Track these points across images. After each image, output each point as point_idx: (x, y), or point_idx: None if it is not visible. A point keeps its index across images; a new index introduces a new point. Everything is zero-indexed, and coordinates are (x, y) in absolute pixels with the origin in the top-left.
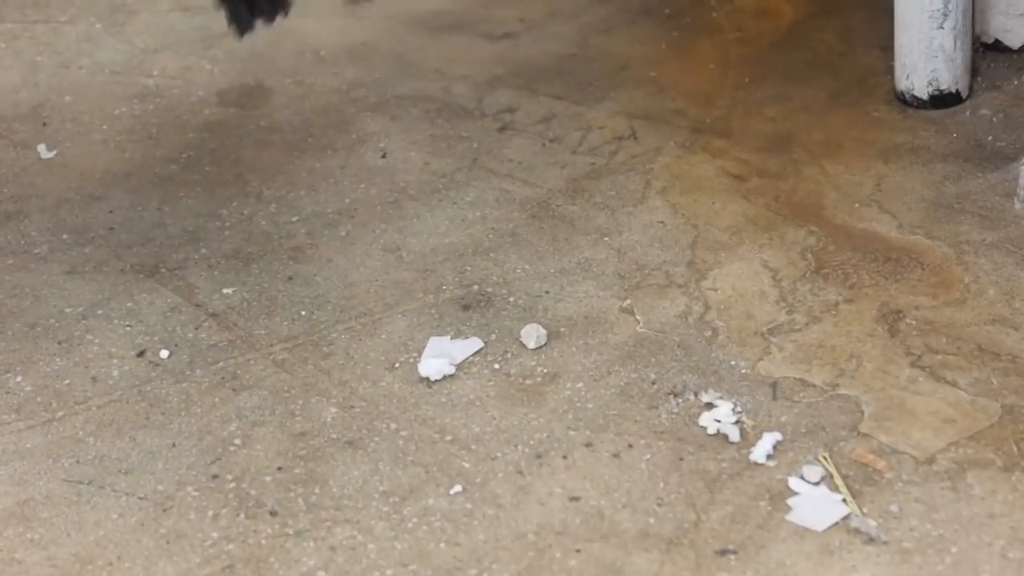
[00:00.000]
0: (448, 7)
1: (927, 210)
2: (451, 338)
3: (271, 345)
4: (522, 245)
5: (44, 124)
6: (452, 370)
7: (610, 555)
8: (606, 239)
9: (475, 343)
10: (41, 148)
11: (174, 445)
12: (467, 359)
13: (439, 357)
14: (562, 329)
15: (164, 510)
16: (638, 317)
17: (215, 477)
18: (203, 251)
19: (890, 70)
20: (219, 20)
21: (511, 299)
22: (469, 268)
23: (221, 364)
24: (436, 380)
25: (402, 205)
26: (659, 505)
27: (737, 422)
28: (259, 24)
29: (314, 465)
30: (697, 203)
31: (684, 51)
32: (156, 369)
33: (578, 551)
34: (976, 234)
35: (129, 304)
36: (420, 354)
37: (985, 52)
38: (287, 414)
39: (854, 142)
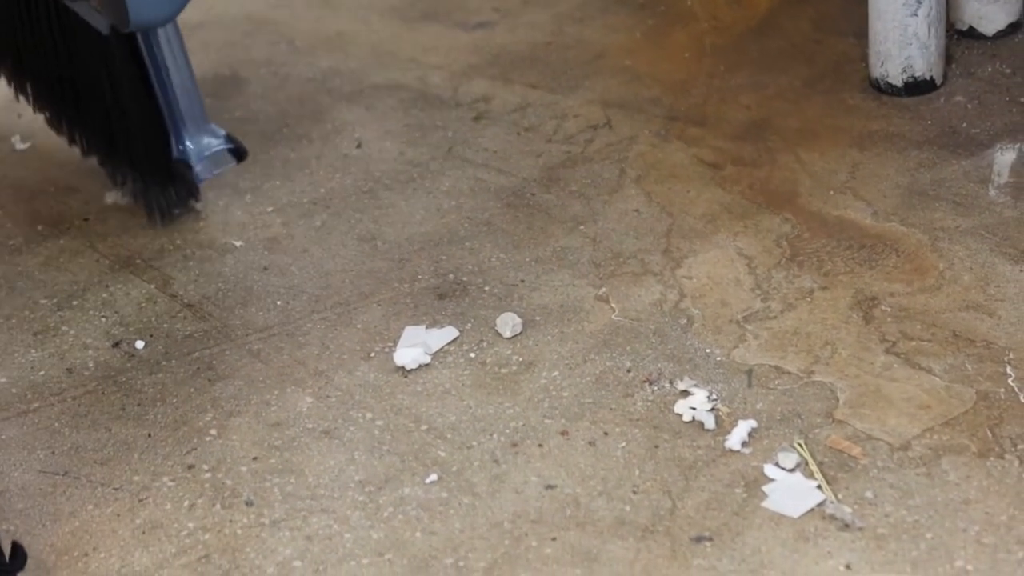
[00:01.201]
0: None
1: (902, 197)
2: (426, 327)
3: (247, 335)
4: (497, 234)
5: (19, 116)
6: (428, 359)
7: (586, 543)
8: (581, 227)
9: (451, 332)
10: (15, 139)
11: (150, 435)
12: (443, 348)
13: (414, 346)
14: (537, 318)
15: (140, 500)
16: (613, 305)
17: (191, 467)
18: (178, 241)
19: (864, 57)
20: (191, 9)
21: (486, 288)
22: (444, 257)
23: (197, 354)
24: (412, 369)
25: (377, 195)
26: (635, 493)
27: (712, 409)
28: (176, 211)
29: (290, 455)
30: (672, 191)
31: (659, 39)
32: (131, 360)
33: (554, 539)
34: (951, 221)
35: (104, 295)
36: (395, 343)
37: (959, 39)
38: (263, 404)
39: (829, 130)
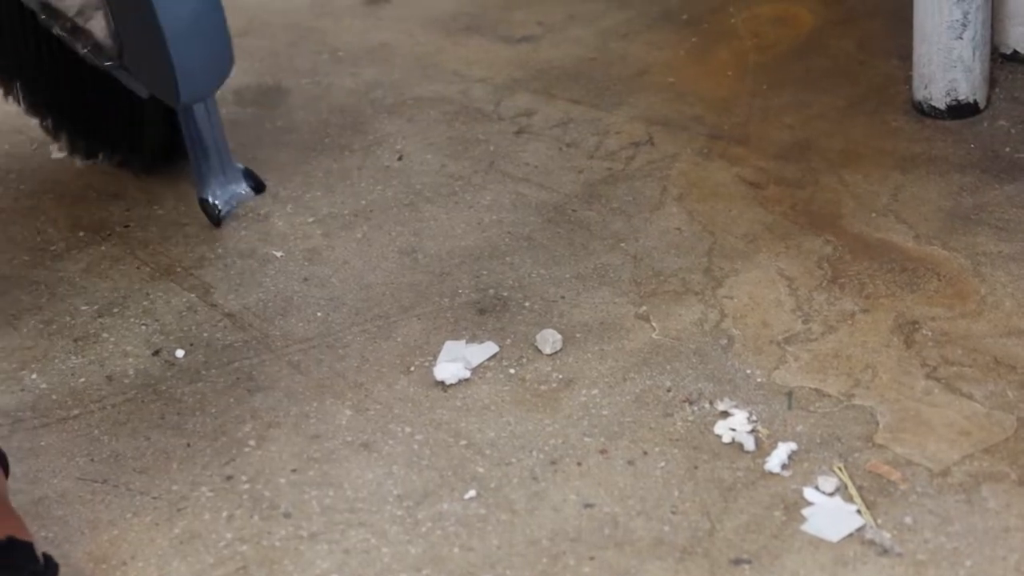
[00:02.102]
0: (466, 9)
1: (944, 221)
2: (466, 342)
3: (286, 346)
4: (538, 249)
5: None
6: (467, 374)
7: (624, 563)
8: (622, 245)
9: (490, 347)
10: (53, 148)
11: (188, 445)
12: (482, 363)
13: (454, 361)
14: (578, 335)
15: (178, 510)
16: (654, 324)
17: (229, 478)
18: (219, 250)
19: (908, 79)
20: (235, 17)
21: (527, 304)
22: (485, 272)
23: (236, 364)
24: (451, 384)
25: (418, 207)
26: (673, 513)
27: (752, 431)
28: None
29: (328, 467)
30: (714, 210)
31: (702, 57)
32: (171, 368)
33: (592, 558)
34: (993, 245)
35: (145, 303)
36: (435, 357)
37: (1003, 63)
38: (302, 416)
39: (872, 151)
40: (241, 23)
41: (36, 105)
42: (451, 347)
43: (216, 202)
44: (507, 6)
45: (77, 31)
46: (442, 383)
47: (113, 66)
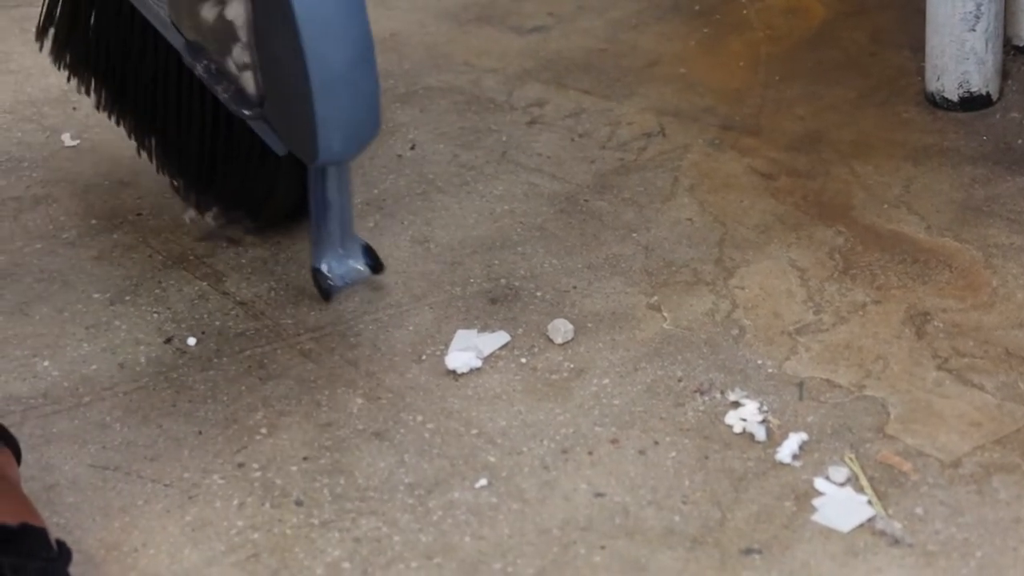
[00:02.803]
0: (476, 0)
1: (956, 212)
2: (478, 331)
3: (298, 334)
4: (550, 240)
5: (74, 109)
6: (479, 363)
7: (635, 552)
8: (634, 235)
9: (502, 336)
10: (66, 136)
11: (200, 433)
12: (494, 353)
13: (466, 350)
14: (589, 325)
15: (190, 497)
16: (665, 314)
17: (241, 466)
18: (231, 239)
19: (920, 71)
20: None
21: (538, 293)
22: (497, 262)
23: (248, 353)
24: (463, 373)
25: (430, 197)
26: (684, 503)
27: (763, 421)
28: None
29: (340, 455)
30: (725, 201)
31: (714, 48)
32: (183, 356)
33: (603, 547)
34: (1005, 238)
35: (157, 291)
36: (447, 347)
37: (1016, 55)
38: (313, 404)
39: (883, 143)
40: None
41: (167, 160)
42: (463, 336)
43: (330, 275)
44: None
45: (221, 74)
46: (454, 372)
47: (253, 116)
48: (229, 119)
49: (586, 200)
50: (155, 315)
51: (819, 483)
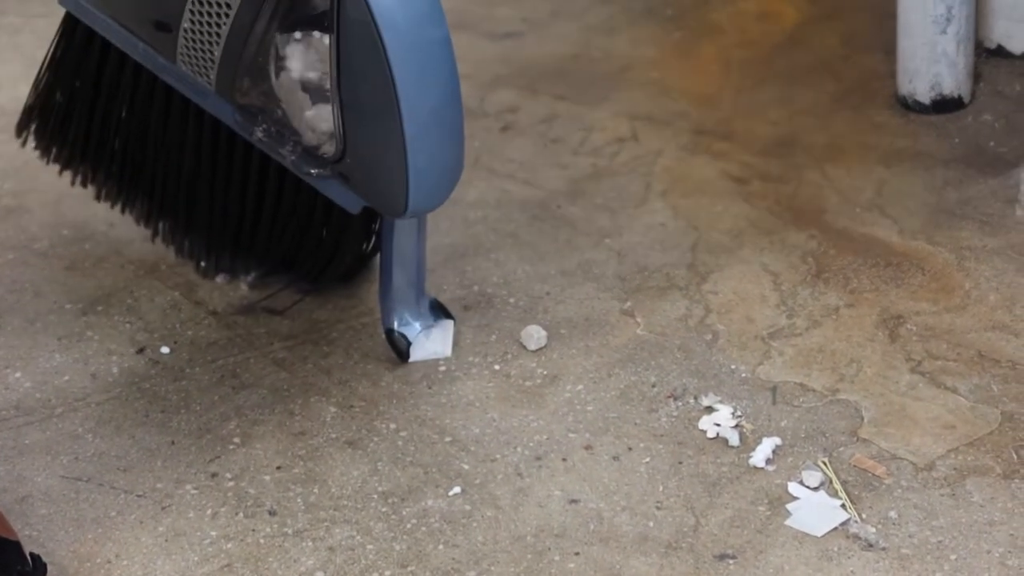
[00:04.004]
0: (450, 5)
1: (928, 215)
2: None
3: (271, 344)
4: (523, 246)
5: None
6: (448, 352)
7: (609, 558)
8: (607, 241)
9: (447, 324)
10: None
11: (173, 443)
12: (467, 360)
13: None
14: (562, 331)
15: (163, 508)
16: (638, 319)
17: (214, 475)
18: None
19: (892, 74)
20: None
21: (511, 300)
22: (470, 268)
23: (221, 362)
24: (436, 377)
25: None
26: (658, 509)
27: (737, 426)
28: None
29: (313, 464)
30: (698, 206)
31: (686, 53)
32: (156, 366)
33: (577, 554)
34: (977, 240)
35: (129, 301)
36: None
37: (988, 57)
38: (287, 413)
39: (856, 146)
40: None
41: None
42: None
43: (406, 335)
44: (491, 2)
45: (284, 137)
46: (426, 378)
47: (324, 174)
48: (281, 181)
49: (559, 206)
50: (127, 325)
51: (793, 487)
